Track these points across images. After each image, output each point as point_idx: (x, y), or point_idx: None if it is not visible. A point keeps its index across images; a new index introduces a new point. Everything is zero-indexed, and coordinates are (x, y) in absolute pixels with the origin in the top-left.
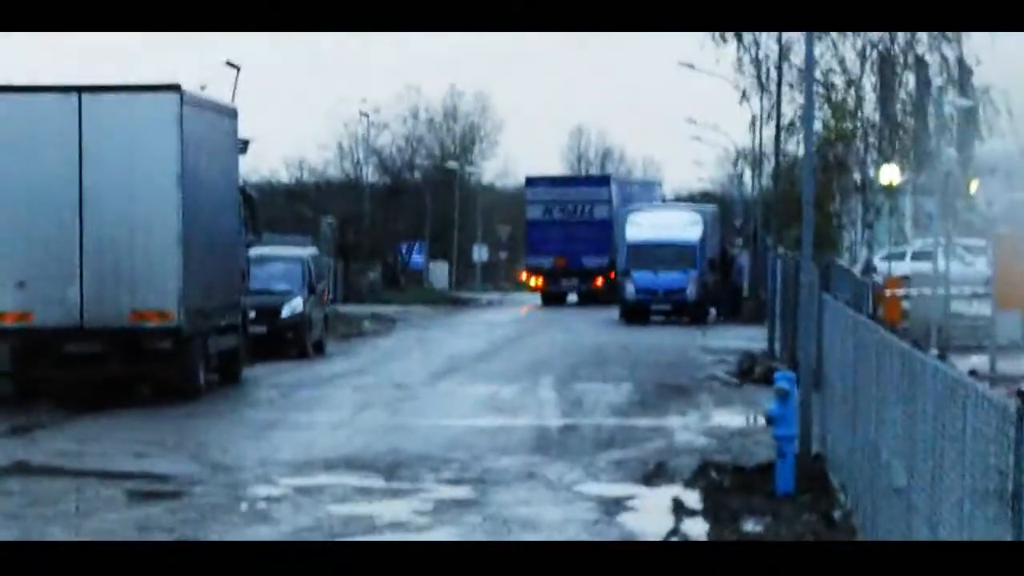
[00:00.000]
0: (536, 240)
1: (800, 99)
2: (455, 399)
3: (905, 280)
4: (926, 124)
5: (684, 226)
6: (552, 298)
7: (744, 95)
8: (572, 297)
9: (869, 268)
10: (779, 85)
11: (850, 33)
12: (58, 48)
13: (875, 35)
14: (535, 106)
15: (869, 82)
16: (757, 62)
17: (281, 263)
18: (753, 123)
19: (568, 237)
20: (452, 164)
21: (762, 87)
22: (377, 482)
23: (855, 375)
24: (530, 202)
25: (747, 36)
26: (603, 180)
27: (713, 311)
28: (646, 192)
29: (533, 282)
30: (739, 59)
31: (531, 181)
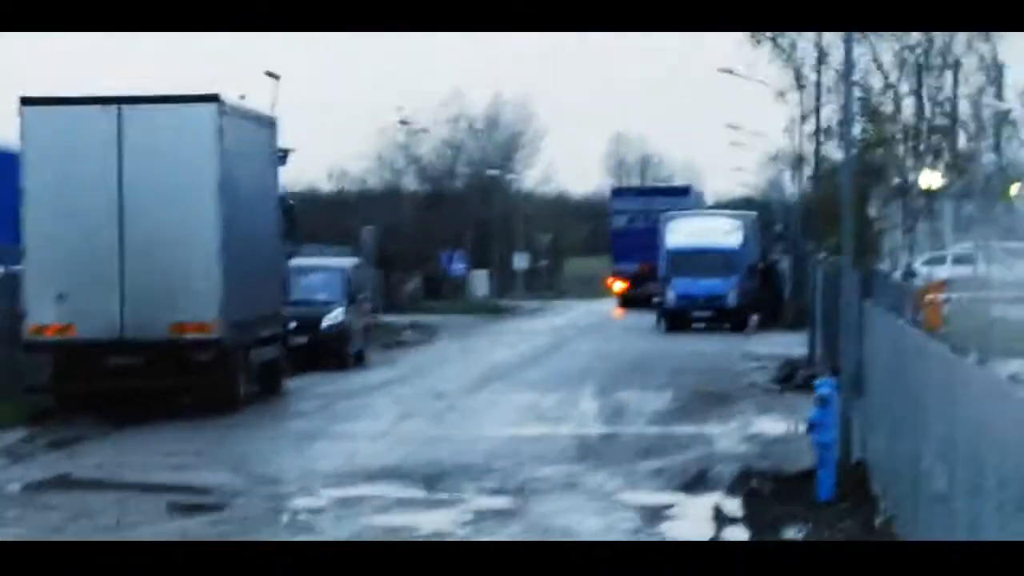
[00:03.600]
0: (621, 248)
1: (838, 101)
2: (496, 408)
3: (946, 285)
4: (964, 127)
5: (724, 232)
6: (633, 302)
7: (782, 94)
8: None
9: (909, 273)
10: (818, 87)
11: (887, 35)
12: (92, 58)
13: (912, 38)
14: (574, 113)
15: (907, 85)
16: (794, 62)
17: (322, 273)
18: (791, 124)
19: (652, 244)
20: (493, 172)
21: (800, 87)
22: (418, 493)
23: (896, 381)
24: (616, 212)
25: (783, 38)
26: (684, 190)
27: (754, 317)
28: (698, 199)
29: (619, 287)
30: (783, 56)
31: (617, 192)
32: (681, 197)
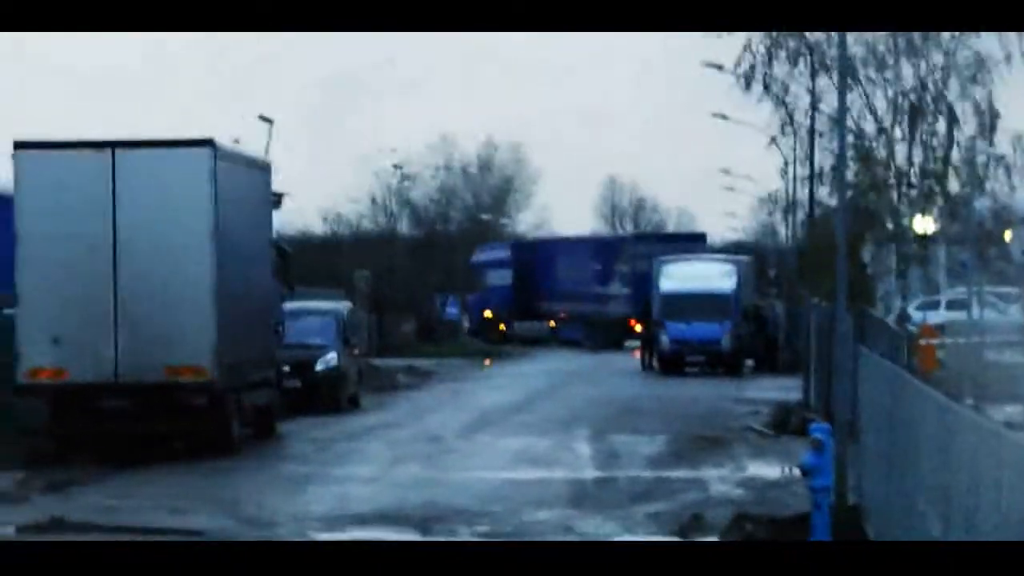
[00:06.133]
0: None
1: (831, 146)
2: (490, 452)
3: (940, 329)
4: (958, 173)
5: (718, 277)
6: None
7: (773, 140)
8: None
9: (903, 318)
10: (811, 133)
11: (881, 81)
12: (80, 104)
13: (906, 83)
14: (568, 157)
15: (900, 130)
16: (787, 106)
17: (316, 317)
18: (784, 168)
19: None
20: (486, 216)
21: (794, 132)
22: (412, 536)
23: (890, 426)
24: (635, 257)
25: (775, 83)
26: (700, 237)
27: (749, 362)
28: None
29: (640, 328)
30: (775, 101)
31: (639, 237)
32: (699, 243)
